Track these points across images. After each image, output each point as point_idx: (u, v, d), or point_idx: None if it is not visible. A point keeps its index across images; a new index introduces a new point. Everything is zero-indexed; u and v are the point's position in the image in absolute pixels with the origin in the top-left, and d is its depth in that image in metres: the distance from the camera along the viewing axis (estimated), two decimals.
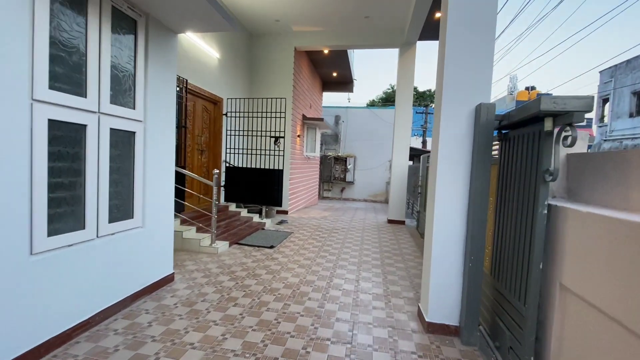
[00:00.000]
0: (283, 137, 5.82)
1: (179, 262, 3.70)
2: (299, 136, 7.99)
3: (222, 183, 6.17)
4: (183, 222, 4.50)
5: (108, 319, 2.36)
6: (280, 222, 6.31)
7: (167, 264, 3.05)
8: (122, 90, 2.45)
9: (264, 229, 5.68)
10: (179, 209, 4.47)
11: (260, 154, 6.24)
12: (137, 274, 2.66)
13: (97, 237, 2.26)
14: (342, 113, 12.96)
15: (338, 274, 3.61)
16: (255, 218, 6.06)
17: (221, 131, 6.12)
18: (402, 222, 7.06)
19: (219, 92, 5.97)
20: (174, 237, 4.20)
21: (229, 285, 3.11)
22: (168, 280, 3.05)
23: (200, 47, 5.28)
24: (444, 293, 2.38)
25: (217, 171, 4.14)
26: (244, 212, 6.13)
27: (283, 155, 5.79)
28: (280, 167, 5.77)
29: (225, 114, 6.17)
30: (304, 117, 8.34)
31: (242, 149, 6.32)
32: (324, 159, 12.68)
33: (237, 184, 6.01)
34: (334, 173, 12.74)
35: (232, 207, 6.12)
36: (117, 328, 2.26)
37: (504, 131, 2.39)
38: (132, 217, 2.59)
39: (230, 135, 6.12)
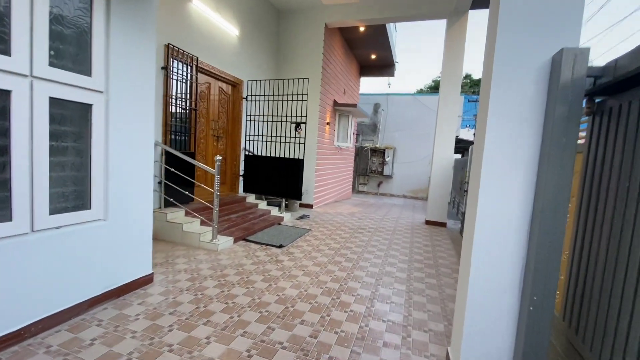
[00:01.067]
0: (305, 123, 5.19)
1: (171, 259, 3.29)
2: (328, 124, 7.31)
3: (242, 172, 5.76)
4: (187, 214, 4.12)
5: (48, 330, 1.95)
6: (301, 217, 5.74)
7: (143, 263, 2.62)
8: (71, 51, 1.98)
9: (280, 224, 5.15)
10: (184, 200, 4.09)
11: (283, 142, 5.69)
12: (97, 275, 2.24)
13: (32, 231, 1.84)
14: (382, 101, 11.94)
15: (349, 287, 2.92)
16: (274, 211, 5.56)
17: (240, 116, 5.67)
18: (443, 225, 6.07)
19: (238, 73, 5.50)
20: (174, 231, 3.82)
21: (211, 294, 2.59)
22: (144, 282, 2.62)
23: (215, 23, 4.81)
24: (485, 343, 1.58)
25: (220, 158, 3.65)
26: (262, 205, 5.65)
27: (304, 144, 5.17)
28: (301, 157, 5.17)
29: (246, 98, 5.70)
30: (335, 103, 7.61)
31: (264, 135, 5.83)
32: (360, 151, 11.84)
33: (255, 174, 5.54)
34: (370, 166, 11.86)
35: (251, 198, 5.68)
36: (51, 344, 1.83)
37: (597, 99, 1.51)
38: (90, 208, 2.16)
39: (251, 120, 5.64)
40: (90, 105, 2.10)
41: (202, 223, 4.06)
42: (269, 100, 5.52)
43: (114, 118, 2.25)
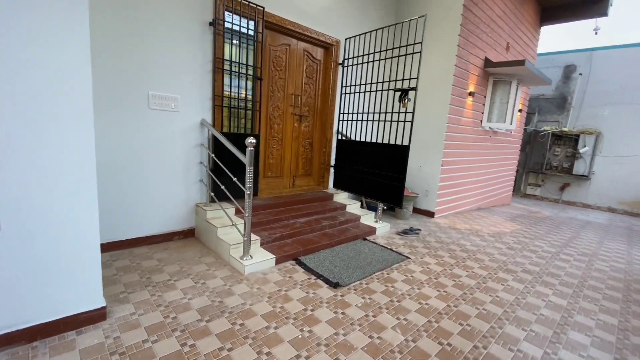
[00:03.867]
0: (414, 89, 3.30)
1: (177, 277, 2.39)
2: (471, 94, 4.92)
3: (332, 162, 4.46)
4: (238, 212, 3.21)
5: None
6: (406, 232, 3.92)
7: (80, 294, 1.75)
8: None
9: (366, 239, 3.56)
10: (240, 193, 3.18)
11: (395, 120, 3.99)
12: None
13: None
14: (580, 60, 7.78)
15: None
16: (368, 218, 4.00)
17: (334, 89, 4.32)
18: None
19: (332, 31, 4.13)
20: (210, 234, 2.97)
21: None
22: (86, 320, 1.77)
23: None
24: None
25: (253, 141, 2.45)
26: (354, 207, 4.20)
27: (412, 122, 3.31)
28: (406, 143, 3.38)
29: (342, 64, 4.28)
30: (488, 63, 5.06)
31: (366, 113, 4.29)
32: (532, 137, 8.25)
33: (348, 165, 4.15)
34: (550, 160, 8.09)
35: (341, 196, 4.32)
36: None
37: None
38: None
39: (348, 93, 4.21)
40: None
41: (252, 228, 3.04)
42: (373, 61, 3.89)
43: None
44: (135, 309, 1.97)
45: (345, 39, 4.21)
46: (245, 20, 3.24)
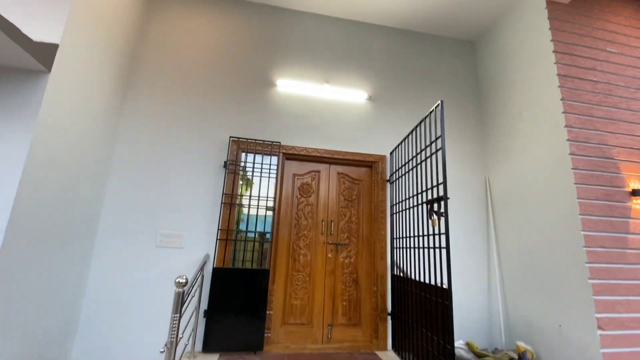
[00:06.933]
0: (442, 200, 2.14)
1: None
2: (635, 193, 2.79)
3: (389, 308, 3.24)
4: None
5: None
6: None
7: None
8: None
9: None
10: (245, 343, 2.66)
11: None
12: None
13: None
14: None
15: None
16: None
17: (383, 209, 3.50)
18: None
19: (373, 148, 3.67)
20: None
21: None
22: None
23: (323, 97, 3.68)
24: None
25: (182, 280, 2.05)
26: None
27: (447, 249, 2.05)
28: (446, 284, 2.09)
29: (389, 180, 3.55)
30: None
31: (422, 235, 3.14)
32: None
33: (403, 317, 2.94)
34: None
35: None
36: None
37: None
38: None
39: (400, 211, 3.31)
40: None
41: None
42: (421, 162, 2.98)
43: None
44: None
45: (391, 152, 3.60)
46: (260, 156, 3.37)
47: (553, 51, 3.03)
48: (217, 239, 3.09)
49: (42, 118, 2.08)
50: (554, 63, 3.00)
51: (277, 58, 3.71)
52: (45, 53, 2.05)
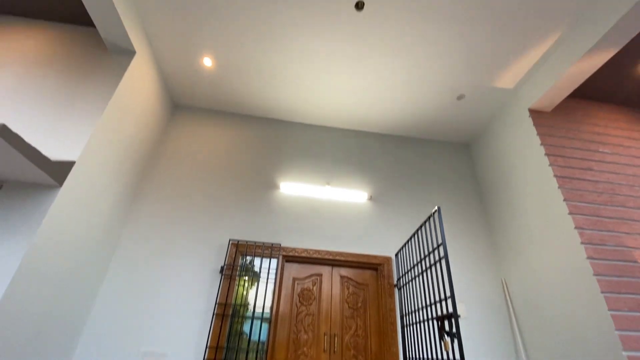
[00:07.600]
0: (452, 317, 1.91)
1: None
2: None
3: None
4: None
5: None
6: None
7: None
8: None
9: None
10: None
11: None
12: None
13: None
14: None
15: None
16: None
17: (393, 321, 3.15)
18: None
19: (378, 248, 3.54)
20: None
21: None
22: None
23: (323, 199, 3.76)
24: None
25: None
26: None
27: None
28: None
29: (397, 285, 3.30)
30: None
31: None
32: None
33: None
34: None
35: None
36: None
37: None
38: None
39: (411, 324, 2.96)
40: None
41: None
42: (430, 266, 2.75)
43: None
44: None
45: (396, 254, 3.44)
46: (260, 259, 3.26)
47: (545, 154, 3.13)
48: (212, 348, 2.74)
49: (43, 231, 2.12)
50: (549, 165, 3.07)
51: (280, 163, 3.94)
52: (61, 170, 2.21)
